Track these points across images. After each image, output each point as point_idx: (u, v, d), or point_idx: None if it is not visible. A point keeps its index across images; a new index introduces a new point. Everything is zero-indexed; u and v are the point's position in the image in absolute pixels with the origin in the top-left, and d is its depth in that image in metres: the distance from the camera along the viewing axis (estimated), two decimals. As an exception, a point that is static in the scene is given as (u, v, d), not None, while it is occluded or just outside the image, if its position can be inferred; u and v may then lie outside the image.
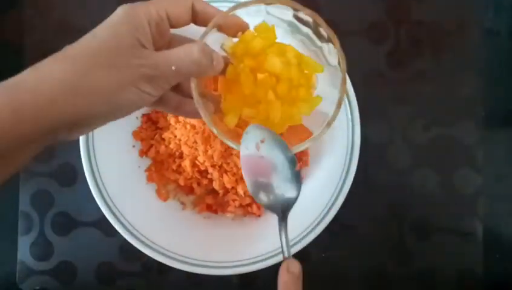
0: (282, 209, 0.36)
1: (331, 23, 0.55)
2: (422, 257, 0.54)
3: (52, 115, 0.28)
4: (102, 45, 0.29)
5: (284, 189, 0.36)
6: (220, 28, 0.35)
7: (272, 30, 0.37)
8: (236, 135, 0.36)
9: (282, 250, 0.34)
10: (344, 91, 0.36)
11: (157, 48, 0.32)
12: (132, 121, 0.51)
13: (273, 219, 0.49)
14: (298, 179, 0.36)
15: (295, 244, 0.46)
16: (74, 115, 0.28)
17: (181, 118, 0.48)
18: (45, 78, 0.28)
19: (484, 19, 0.56)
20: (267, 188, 0.36)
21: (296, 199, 0.36)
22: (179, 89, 0.37)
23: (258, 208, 0.50)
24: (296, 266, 0.33)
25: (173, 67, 0.31)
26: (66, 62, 0.29)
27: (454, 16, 0.56)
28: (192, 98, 0.34)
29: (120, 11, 0.31)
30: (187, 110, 0.37)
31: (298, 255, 0.45)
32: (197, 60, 0.32)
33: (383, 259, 0.55)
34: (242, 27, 0.36)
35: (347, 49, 0.52)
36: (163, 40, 0.33)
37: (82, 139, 0.46)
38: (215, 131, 0.35)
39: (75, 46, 0.30)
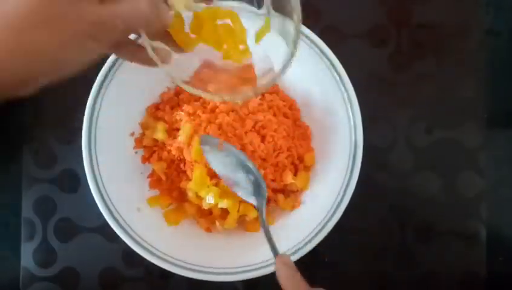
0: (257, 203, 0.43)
1: (332, 27, 0.56)
2: (425, 260, 0.54)
3: None
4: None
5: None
6: None
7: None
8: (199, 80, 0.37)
9: (272, 249, 0.37)
10: (298, 32, 0.34)
11: None
12: (135, 127, 0.51)
13: (275, 225, 0.50)
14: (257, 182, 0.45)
15: (299, 249, 0.46)
16: (14, 74, 0.28)
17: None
18: None
19: (485, 20, 0.56)
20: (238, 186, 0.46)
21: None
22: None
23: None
24: (289, 258, 0.35)
25: (120, 25, 0.29)
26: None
27: (455, 18, 0.56)
28: None
29: None
30: (143, 57, 0.34)
31: (301, 260, 0.45)
32: (144, 14, 0.29)
33: (385, 262, 0.54)
34: None
35: (348, 52, 0.52)
36: None
37: (84, 145, 0.46)
38: (177, 82, 0.35)
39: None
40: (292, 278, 0.32)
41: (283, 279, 0.32)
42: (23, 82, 0.28)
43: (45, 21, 0.27)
